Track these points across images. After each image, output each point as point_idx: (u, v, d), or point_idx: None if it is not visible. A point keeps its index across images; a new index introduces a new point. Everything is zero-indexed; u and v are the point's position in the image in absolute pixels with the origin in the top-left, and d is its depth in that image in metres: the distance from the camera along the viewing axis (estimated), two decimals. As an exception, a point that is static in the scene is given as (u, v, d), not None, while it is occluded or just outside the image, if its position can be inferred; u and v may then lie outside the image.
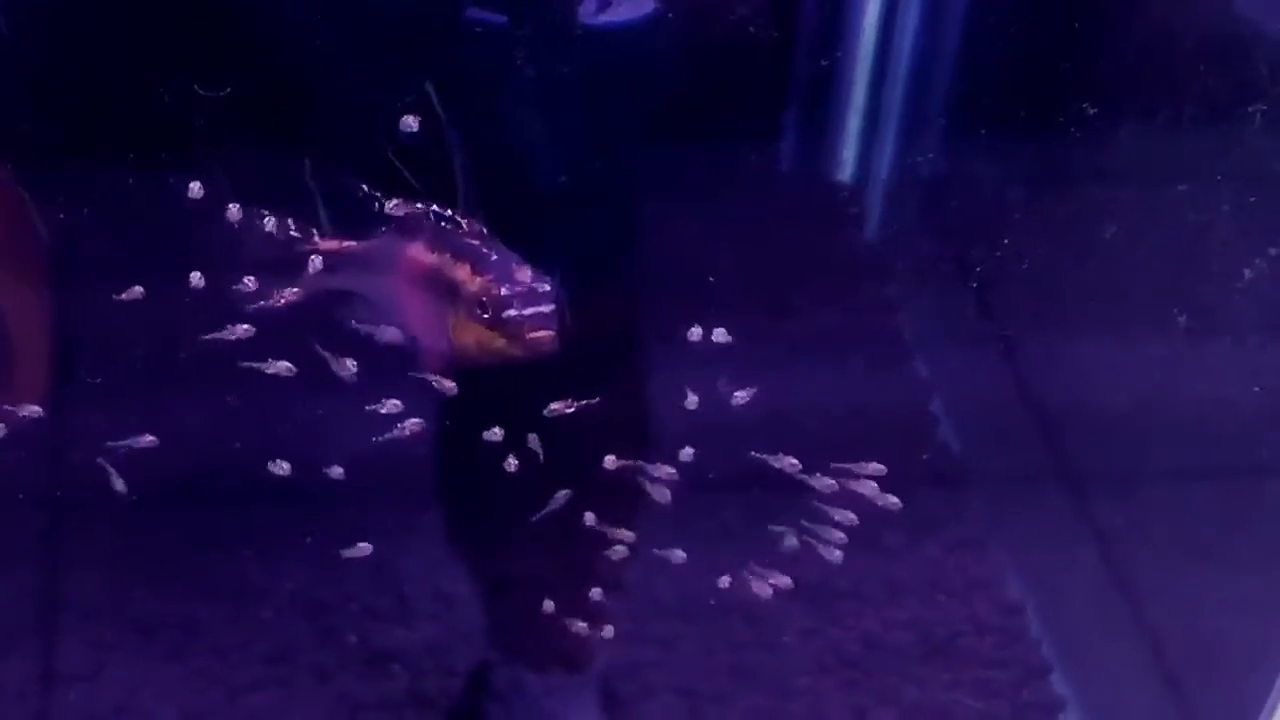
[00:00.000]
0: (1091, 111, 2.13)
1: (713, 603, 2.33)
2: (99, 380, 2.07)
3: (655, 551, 2.09)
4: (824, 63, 2.53)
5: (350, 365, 1.82)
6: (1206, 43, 2.16)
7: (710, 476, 2.06)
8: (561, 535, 2.10)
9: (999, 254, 2.28)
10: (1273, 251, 2.04)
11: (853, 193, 2.75)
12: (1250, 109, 2.01)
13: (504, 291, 1.74)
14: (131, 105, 1.88)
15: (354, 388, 1.84)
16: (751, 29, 2.08)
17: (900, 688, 2.61)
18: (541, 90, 1.93)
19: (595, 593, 2.23)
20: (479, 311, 1.75)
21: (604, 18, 1.91)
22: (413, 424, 1.87)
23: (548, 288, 1.75)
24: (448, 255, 1.78)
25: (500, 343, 1.74)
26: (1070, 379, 2.59)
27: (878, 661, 2.63)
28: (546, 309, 1.74)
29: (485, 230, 1.79)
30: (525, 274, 1.75)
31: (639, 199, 2.13)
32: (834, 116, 2.66)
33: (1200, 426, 2.36)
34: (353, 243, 1.85)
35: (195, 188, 1.75)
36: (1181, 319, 2.21)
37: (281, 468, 1.95)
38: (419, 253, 1.80)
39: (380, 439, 1.88)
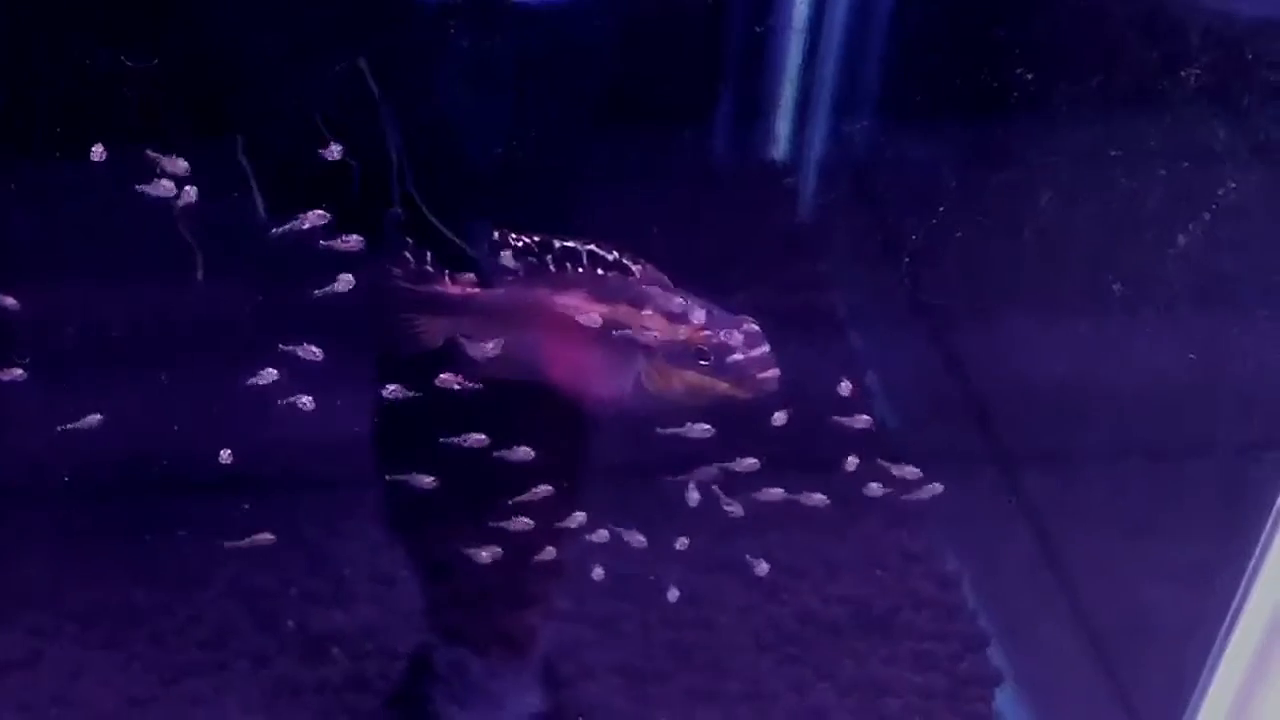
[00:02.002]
0: (1025, 85, 2.14)
1: (652, 578, 2.34)
2: (35, 366, 2.05)
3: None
4: (758, 29, 2.53)
5: (315, 351, 1.83)
6: (1140, 15, 2.17)
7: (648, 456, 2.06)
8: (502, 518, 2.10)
9: (933, 230, 2.29)
10: (1205, 218, 2.06)
11: (786, 170, 2.76)
12: (1183, 74, 2.03)
13: (724, 338, 1.82)
14: (57, 80, 1.87)
15: (290, 375, 1.85)
16: (686, 3, 2.08)
17: (839, 663, 2.62)
18: (475, 67, 1.93)
19: (536, 574, 2.22)
20: (700, 360, 1.83)
21: (538, -6, 1.91)
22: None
23: (758, 328, 1.83)
24: (623, 304, 1.84)
25: (723, 386, 1.83)
26: (1004, 354, 2.60)
27: (816, 637, 2.64)
28: (767, 349, 1.83)
29: (664, 276, 1.84)
30: (736, 319, 1.84)
31: (572, 177, 2.13)
32: (768, 94, 2.66)
33: (1132, 402, 2.37)
34: (477, 289, 1.90)
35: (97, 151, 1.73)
36: (1116, 288, 2.22)
37: (224, 455, 1.95)
38: (578, 301, 1.85)
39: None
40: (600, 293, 1.85)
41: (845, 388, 2.01)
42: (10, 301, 1.82)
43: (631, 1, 2.04)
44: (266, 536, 2.08)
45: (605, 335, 1.84)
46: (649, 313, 1.83)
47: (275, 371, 1.84)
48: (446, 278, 1.90)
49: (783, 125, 2.70)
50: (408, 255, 1.89)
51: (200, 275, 1.99)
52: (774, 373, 1.83)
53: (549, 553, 2.14)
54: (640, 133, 2.23)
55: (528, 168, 2.01)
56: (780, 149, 2.72)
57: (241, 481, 2.09)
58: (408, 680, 2.48)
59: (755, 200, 2.73)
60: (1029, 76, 2.15)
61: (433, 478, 1.97)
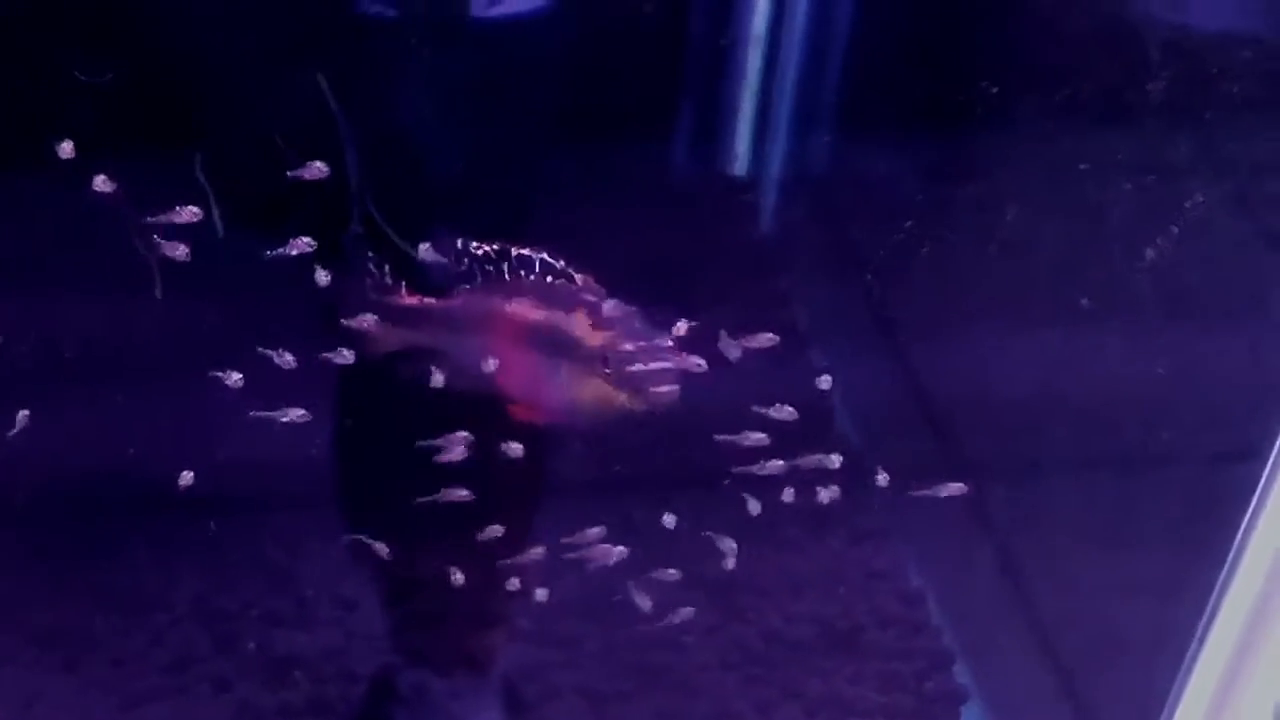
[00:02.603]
0: (985, 98, 2.14)
1: (617, 597, 2.33)
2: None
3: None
4: (722, 42, 2.54)
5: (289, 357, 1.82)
6: (1100, 29, 2.18)
7: (615, 471, 2.05)
8: (465, 537, 2.09)
9: (893, 245, 2.29)
10: (1174, 231, 2.06)
11: (746, 186, 2.76)
12: (1146, 88, 2.03)
13: (628, 347, 1.77)
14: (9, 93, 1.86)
15: (249, 392, 1.83)
16: (645, 19, 2.08)
17: (804, 682, 2.61)
18: (434, 82, 1.93)
19: (498, 594, 2.21)
20: (602, 367, 1.78)
21: (497, 10, 1.91)
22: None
23: (670, 342, 1.78)
24: (559, 310, 1.81)
25: (622, 398, 1.79)
26: (965, 369, 2.60)
27: (781, 656, 2.63)
28: (668, 364, 1.77)
29: (601, 285, 1.82)
30: (648, 329, 1.79)
31: (532, 192, 2.12)
32: (727, 110, 2.67)
33: (1095, 416, 2.37)
34: (433, 301, 1.89)
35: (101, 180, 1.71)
36: (1083, 301, 2.23)
37: (184, 477, 1.93)
38: (522, 308, 1.83)
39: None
40: (535, 300, 1.83)
41: (825, 380, 1.99)
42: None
43: (591, 16, 2.03)
44: None
45: (540, 342, 1.83)
46: (578, 319, 1.81)
47: (240, 375, 1.82)
48: (402, 288, 1.89)
49: (743, 139, 2.71)
50: (371, 267, 1.88)
51: (159, 293, 1.97)
52: (672, 388, 1.78)
53: (510, 571, 2.13)
54: (600, 148, 2.22)
55: (486, 183, 2.01)
56: (741, 163, 2.72)
57: (202, 503, 2.08)
58: (370, 702, 2.46)
59: (715, 215, 2.73)
60: (990, 90, 2.15)
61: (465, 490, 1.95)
